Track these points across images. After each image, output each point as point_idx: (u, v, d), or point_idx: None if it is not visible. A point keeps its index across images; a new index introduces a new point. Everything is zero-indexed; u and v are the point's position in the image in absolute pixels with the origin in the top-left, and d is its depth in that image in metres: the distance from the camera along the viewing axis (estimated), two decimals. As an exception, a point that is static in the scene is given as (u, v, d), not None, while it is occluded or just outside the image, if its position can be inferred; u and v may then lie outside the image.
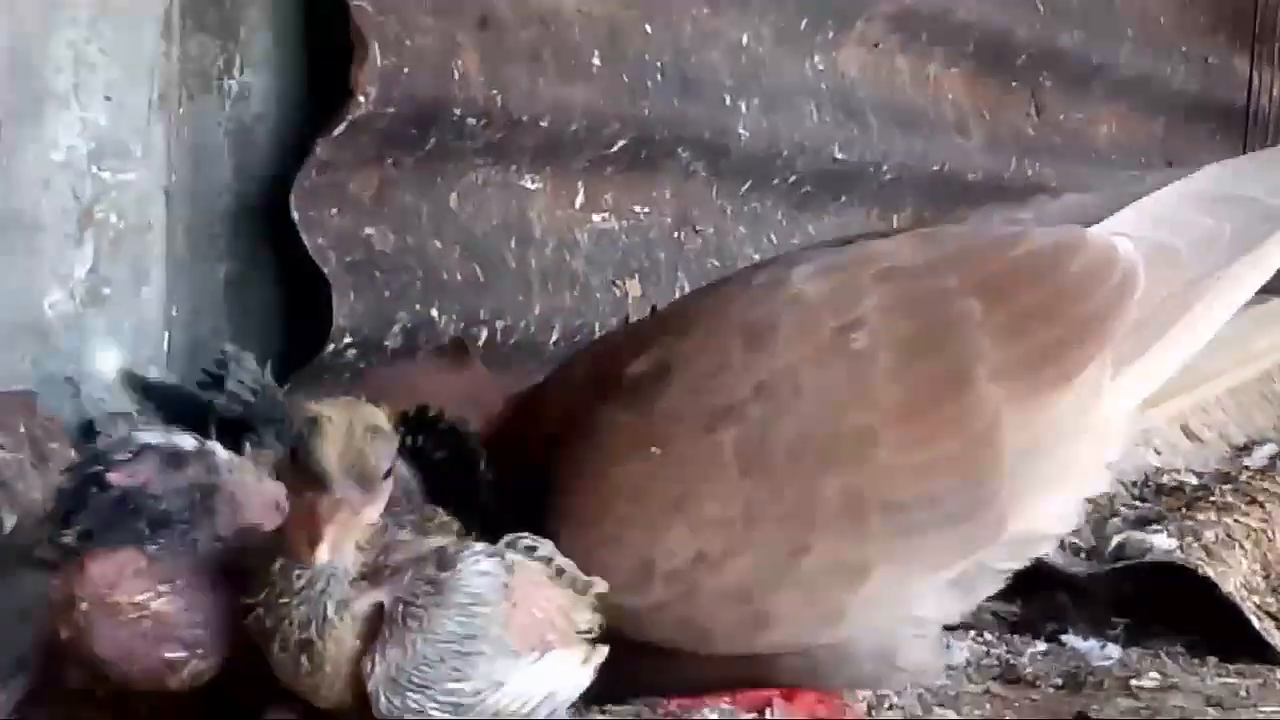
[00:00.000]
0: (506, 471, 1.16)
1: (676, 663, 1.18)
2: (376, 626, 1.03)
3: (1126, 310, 1.16)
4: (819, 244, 1.38)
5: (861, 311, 1.16)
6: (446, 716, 1.03)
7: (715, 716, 1.19)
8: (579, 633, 1.10)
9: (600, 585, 1.11)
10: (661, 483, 1.14)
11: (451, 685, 1.03)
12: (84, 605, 1.06)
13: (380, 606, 1.03)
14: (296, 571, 1.01)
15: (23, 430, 1.31)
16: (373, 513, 1.00)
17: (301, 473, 0.98)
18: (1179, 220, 1.21)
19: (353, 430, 1.00)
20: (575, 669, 1.10)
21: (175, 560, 1.07)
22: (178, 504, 1.09)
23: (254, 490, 1.12)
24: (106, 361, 1.45)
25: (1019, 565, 1.23)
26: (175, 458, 1.10)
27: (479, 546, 1.06)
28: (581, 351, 1.30)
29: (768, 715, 1.19)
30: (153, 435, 1.12)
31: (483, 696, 1.04)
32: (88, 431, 1.39)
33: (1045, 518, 1.20)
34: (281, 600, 1.02)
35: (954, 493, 1.15)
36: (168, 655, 1.07)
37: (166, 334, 1.48)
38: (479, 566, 1.05)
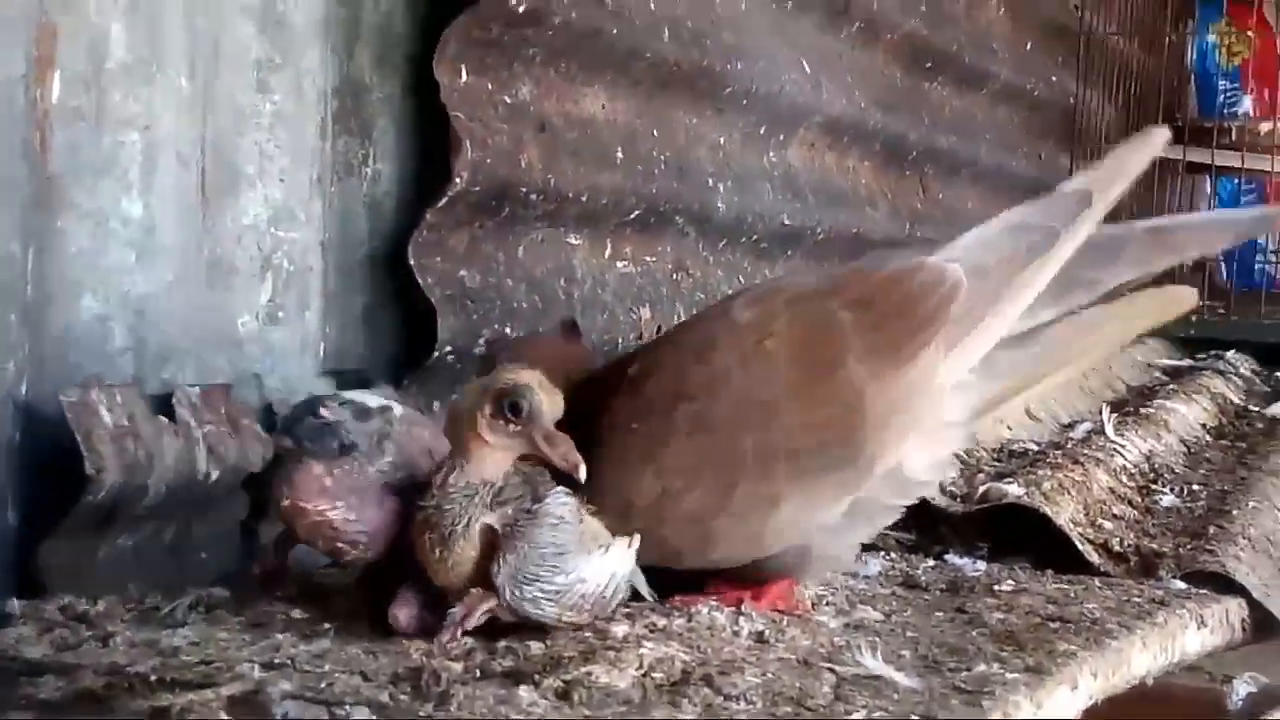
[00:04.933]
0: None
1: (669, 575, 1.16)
2: (487, 539, 1.05)
3: (951, 310, 1.14)
4: (759, 283, 1.33)
5: (774, 327, 1.14)
6: (550, 602, 1.06)
7: (705, 609, 1.16)
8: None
9: None
10: (637, 447, 1.13)
11: (552, 579, 1.06)
12: (285, 503, 1.09)
13: (491, 528, 1.05)
14: (452, 491, 1.05)
15: (223, 411, 1.29)
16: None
17: (525, 422, 1.04)
18: (990, 244, 1.19)
19: (547, 391, 1.05)
20: (625, 554, 1.11)
21: (350, 481, 1.09)
22: (361, 441, 1.11)
23: (416, 438, 1.14)
24: (281, 364, 1.43)
25: (906, 502, 1.22)
26: (364, 411, 1.12)
27: (559, 488, 1.09)
28: (615, 358, 1.29)
29: (743, 609, 1.17)
30: (353, 394, 1.16)
31: (571, 584, 1.06)
32: (268, 412, 1.38)
33: (911, 464, 1.18)
34: (445, 508, 1.05)
35: (835, 444, 1.13)
36: (338, 546, 1.10)
37: (322, 344, 1.47)
38: (560, 499, 1.08)
